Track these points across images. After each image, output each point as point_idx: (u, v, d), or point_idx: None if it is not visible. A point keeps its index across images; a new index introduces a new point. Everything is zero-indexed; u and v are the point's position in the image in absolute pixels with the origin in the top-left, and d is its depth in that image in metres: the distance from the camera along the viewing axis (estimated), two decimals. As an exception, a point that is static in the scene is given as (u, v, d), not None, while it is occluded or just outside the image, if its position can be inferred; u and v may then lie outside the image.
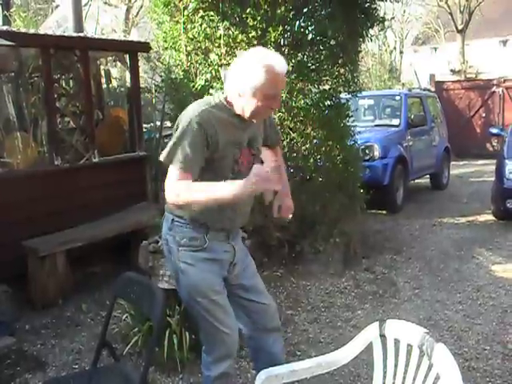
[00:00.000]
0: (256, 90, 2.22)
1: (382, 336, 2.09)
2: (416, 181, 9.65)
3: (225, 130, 2.28)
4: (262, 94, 2.22)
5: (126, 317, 3.76)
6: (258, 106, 2.25)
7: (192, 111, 2.27)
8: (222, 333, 2.42)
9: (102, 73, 7.42)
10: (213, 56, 4.86)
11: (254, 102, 2.24)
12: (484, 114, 14.69)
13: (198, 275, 2.37)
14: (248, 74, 2.22)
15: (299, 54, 5.04)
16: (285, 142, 4.98)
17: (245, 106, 2.27)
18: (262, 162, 2.47)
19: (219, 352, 2.45)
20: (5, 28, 5.21)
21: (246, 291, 2.56)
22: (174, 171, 2.20)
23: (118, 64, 7.88)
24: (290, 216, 2.53)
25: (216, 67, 4.81)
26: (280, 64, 2.26)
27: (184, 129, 2.23)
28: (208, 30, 4.80)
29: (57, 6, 21.11)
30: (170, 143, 2.25)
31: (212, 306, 2.39)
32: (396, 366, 2.01)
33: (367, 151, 7.53)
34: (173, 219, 2.41)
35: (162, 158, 2.25)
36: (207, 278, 2.38)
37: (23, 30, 6.05)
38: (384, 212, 7.84)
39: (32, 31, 5.77)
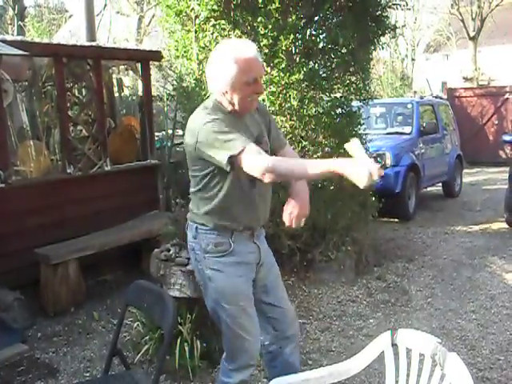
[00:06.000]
0: (234, 83, 2.25)
1: (394, 345, 2.07)
2: (428, 189, 9.60)
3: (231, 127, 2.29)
4: (241, 84, 2.25)
5: (138, 325, 3.76)
6: (242, 96, 2.27)
7: (200, 119, 2.27)
8: (244, 340, 2.41)
9: (114, 81, 7.46)
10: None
11: (236, 94, 2.27)
12: (497, 122, 14.57)
13: (226, 281, 2.37)
14: (221, 71, 2.27)
15: (310, 63, 5.05)
16: (296, 151, 4.97)
17: (231, 101, 2.29)
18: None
19: (241, 360, 2.45)
20: (19, 38, 5.27)
21: (267, 294, 2.56)
22: (246, 154, 2.12)
23: (130, 73, 7.92)
24: (302, 224, 2.37)
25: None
26: (247, 49, 2.28)
27: (209, 131, 2.20)
28: (219, 38, 4.82)
29: (70, 16, 21.39)
30: (214, 150, 2.17)
31: (238, 312, 2.39)
32: (408, 375, 2.00)
33: (379, 159, 7.50)
34: (196, 227, 2.41)
35: (225, 160, 2.14)
36: (236, 283, 2.38)
37: (37, 39, 6.12)
38: (396, 220, 7.80)
39: (45, 41, 5.83)
